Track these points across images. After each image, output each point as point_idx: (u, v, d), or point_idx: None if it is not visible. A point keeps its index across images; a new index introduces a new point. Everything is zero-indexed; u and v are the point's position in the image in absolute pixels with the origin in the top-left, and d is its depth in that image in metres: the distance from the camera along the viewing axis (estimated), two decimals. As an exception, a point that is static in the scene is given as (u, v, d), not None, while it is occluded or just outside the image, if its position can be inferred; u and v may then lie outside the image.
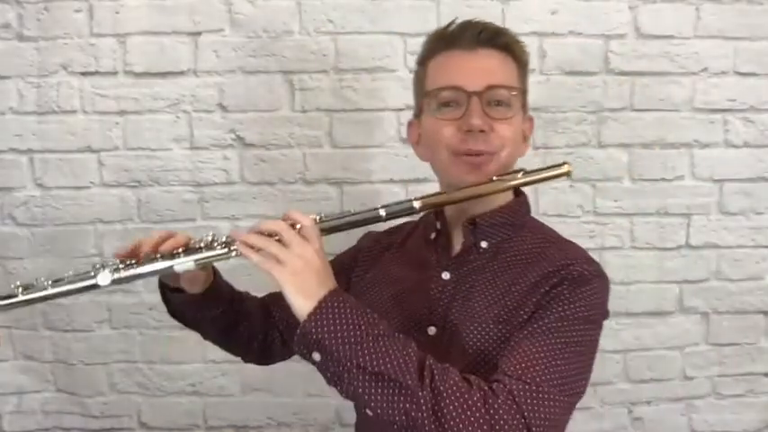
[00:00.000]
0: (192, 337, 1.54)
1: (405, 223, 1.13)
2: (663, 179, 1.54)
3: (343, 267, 1.10)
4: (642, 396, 1.62)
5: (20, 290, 0.85)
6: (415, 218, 1.10)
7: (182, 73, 1.46)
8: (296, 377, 1.58)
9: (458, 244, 0.97)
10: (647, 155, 1.53)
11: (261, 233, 0.81)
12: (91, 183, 1.49)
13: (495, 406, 0.74)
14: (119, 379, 1.57)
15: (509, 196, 0.97)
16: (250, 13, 1.45)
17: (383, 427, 0.76)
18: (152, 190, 1.50)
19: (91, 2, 1.43)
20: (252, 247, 0.80)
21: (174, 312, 1.02)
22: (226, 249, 0.85)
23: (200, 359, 1.57)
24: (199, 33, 1.45)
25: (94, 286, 0.85)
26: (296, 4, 1.45)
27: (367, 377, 0.74)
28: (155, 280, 0.97)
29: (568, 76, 1.48)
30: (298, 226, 0.81)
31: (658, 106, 1.51)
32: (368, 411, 0.76)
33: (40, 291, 0.85)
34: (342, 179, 1.51)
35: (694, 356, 1.62)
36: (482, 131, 0.88)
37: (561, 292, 0.85)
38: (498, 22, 1.42)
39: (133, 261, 0.86)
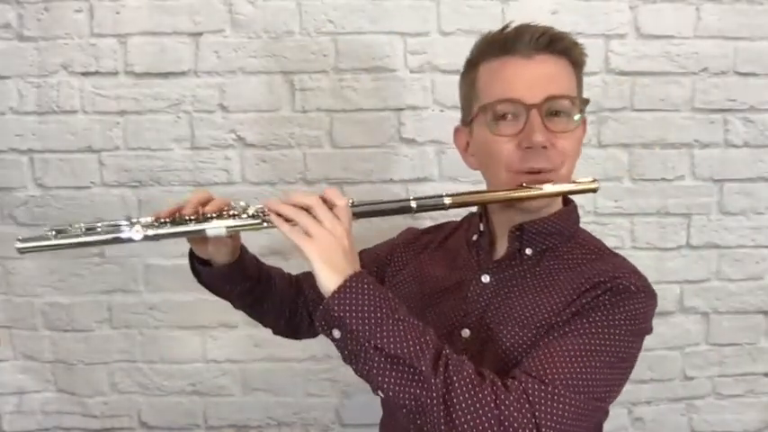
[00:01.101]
0: (192, 337, 1.56)
1: (446, 222, 1.13)
2: (663, 179, 1.55)
3: (378, 259, 1.11)
4: (642, 396, 1.62)
5: (53, 233, 0.86)
6: (458, 218, 1.11)
7: (182, 73, 1.46)
8: (296, 377, 1.58)
9: (501, 248, 0.95)
10: (648, 155, 1.53)
11: (294, 205, 0.81)
12: (91, 183, 1.50)
13: (507, 402, 0.73)
14: (119, 379, 1.57)
15: (558, 205, 0.95)
16: (250, 14, 1.45)
17: (407, 426, 0.76)
18: (153, 190, 1.50)
19: (91, 2, 1.43)
20: (283, 217, 0.81)
21: (203, 283, 1.03)
22: (258, 219, 0.85)
23: (201, 359, 1.57)
24: (199, 34, 1.45)
25: (128, 240, 0.86)
26: (296, 5, 1.45)
27: (383, 359, 0.74)
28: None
29: (568, 76, 1.48)
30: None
31: (658, 106, 1.52)
32: (379, 393, 0.76)
33: (73, 237, 0.86)
34: (342, 179, 1.51)
35: (694, 356, 1.62)
36: (544, 147, 0.85)
37: (602, 301, 0.83)
38: (498, 23, 1.44)
39: (167, 220, 0.87)
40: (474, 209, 1.05)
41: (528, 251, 0.92)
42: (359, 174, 1.50)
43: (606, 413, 0.96)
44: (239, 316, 1.53)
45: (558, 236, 0.93)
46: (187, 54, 1.45)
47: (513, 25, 0.90)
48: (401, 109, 1.49)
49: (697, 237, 1.57)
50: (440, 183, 1.50)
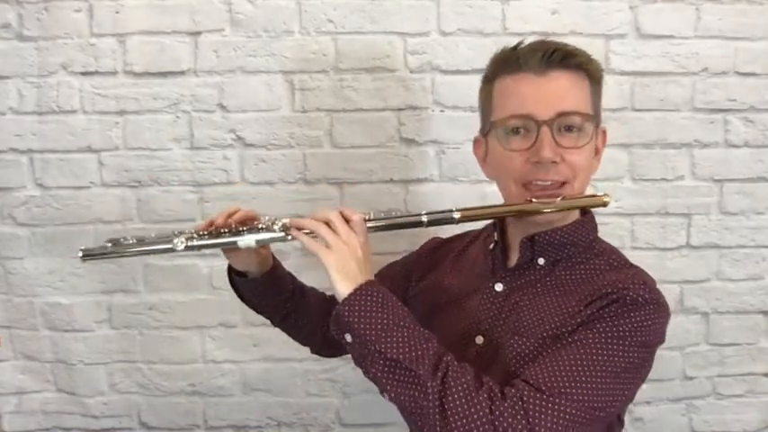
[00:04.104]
0: (192, 337, 1.56)
1: (468, 232, 1.15)
2: (663, 179, 1.54)
3: (404, 269, 1.16)
4: (642, 396, 1.62)
5: (109, 245, 0.98)
6: (479, 227, 1.13)
7: (182, 73, 1.46)
8: (296, 377, 1.58)
9: (515, 257, 0.97)
10: (648, 155, 1.53)
11: (314, 219, 0.89)
12: (91, 183, 1.49)
13: (502, 408, 0.75)
14: (119, 379, 1.57)
15: (574, 216, 0.96)
16: (250, 13, 1.44)
17: None
18: (152, 190, 1.50)
19: (91, 2, 1.43)
20: (304, 230, 0.89)
21: (243, 297, 1.11)
22: (283, 233, 0.93)
23: (201, 359, 1.57)
24: (199, 33, 1.45)
25: (171, 250, 0.95)
26: (296, 4, 1.45)
27: (386, 363, 0.78)
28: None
29: (568, 76, 1.48)
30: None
31: (658, 106, 1.51)
32: (384, 395, 0.80)
33: (127, 247, 0.97)
34: (342, 179, 1.51)
35: (694, 356, 1.62)
36: (553, 162, 0.87)
37: (607, 312, 0.84)
38: (498, 22, 1.46)
39: (205, 233, 0.96)
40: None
41: (540, 261, 0.94)
42: (359, 174, 1.50)
43: (621, 423, 0.98)
44: (239, 316, 1.54)
45: (572, 246, 0.94)
46: (186, 53, 1.45)
47: (528, 41, 0.91)
48: (401, 109, 1.48)
49: (697, 237, 1.57)
50: (439, 183, 1.50)
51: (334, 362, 1.56)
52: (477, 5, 1.46)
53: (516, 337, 0.89)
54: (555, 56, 0.87)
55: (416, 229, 1.24)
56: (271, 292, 1.07)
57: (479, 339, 0.94)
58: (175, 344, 1.56)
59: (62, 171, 1.49)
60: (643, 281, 0.88)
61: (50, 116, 1.46)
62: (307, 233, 0.88)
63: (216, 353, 1.57)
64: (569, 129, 0.88)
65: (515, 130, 0.89)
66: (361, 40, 1.46)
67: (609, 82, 1.48)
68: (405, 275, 1.14)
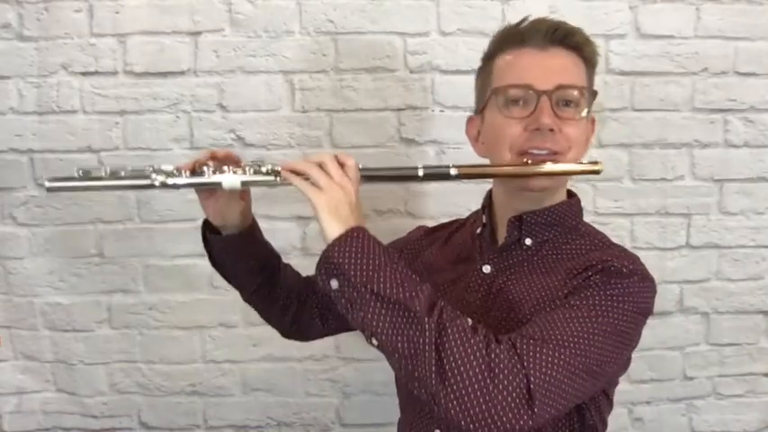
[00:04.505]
0: (192, 337, 1.56)
1: (454, 220, 1.17)
2: (663, 179, 1.55)
3: None
4: (642, 396, 1.62)
5: (80, 173, 0.89)
6: (464, 214, 1.15)
7: (182, 73, 1.46)
8: (296, 377, 1.58)
9: (502, 239, 0.98)
10: (648, 155, 1.53)
11: (307, 161, 0.86)
12: (91, 183, 1.49)
13: (498, 350, 0.75)
14: (119, 379, 1.57)
15: (561, 197, 0.98)
16: (250, 13, 1.45)
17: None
18: (152, 190, 1.49)
19: (91, 2, 1.43)
20: (296, 172, 0.85)
21: (215, 261, 1.05)
22: (272, 176, 0.88)
23: (201, 359, 1.57)
24: (199, 33, 1.45)
25: (148, 186, 0.90)
26: (296, 4, 1.45)
27: (379, 303, 0.76)
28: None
29: (568, 76, 1.48)
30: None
31: (658, 106, 1.51)
32: (373, 341, 0.78)
33: (98, 180, 0.89)
34: (342, 179, 1.50)
35: (694, 356, 1.62)
36: (550, 130, 0.88)
37: (594, 281, 0.85)
38: (498, 23, 1.46)
39: (187, 171, 0.90)
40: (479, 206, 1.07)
41: (528, 241, 0.95)
42: (359, 174, 1.50)
43: (610, 404, 0.98)
44: (239, 316, 1.54)
45: (559, 227, 0.95)
46: (186, 53, 1.45)
47: (530, 19, 0.93)
48: (401, 109, 1.48)
49: (697, 237, 1.57)
50: (440, 183, 1.50)
51: (334, 362, 1.57)
52: (477, 5, 1.46)
53: (504, 315, 0.90)
54: (557, 34, 0.90)
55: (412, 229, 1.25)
56: (246, 252, 1.02)
57: (468, 321, 0.94)
58: (175, 344, 1.56)
59: (62, 171, 1.48)
60: (628, 255, 0.90)
61: (50, 116, 1.46)
62: (298, 176, 0.85)
63: (216, 353, 1.57)
64: (567, 103, 0.90)
65: (515, 101, 0.90)
66: (361, 40, 1.46)
67: (609, 82, 1.49)
68: None
